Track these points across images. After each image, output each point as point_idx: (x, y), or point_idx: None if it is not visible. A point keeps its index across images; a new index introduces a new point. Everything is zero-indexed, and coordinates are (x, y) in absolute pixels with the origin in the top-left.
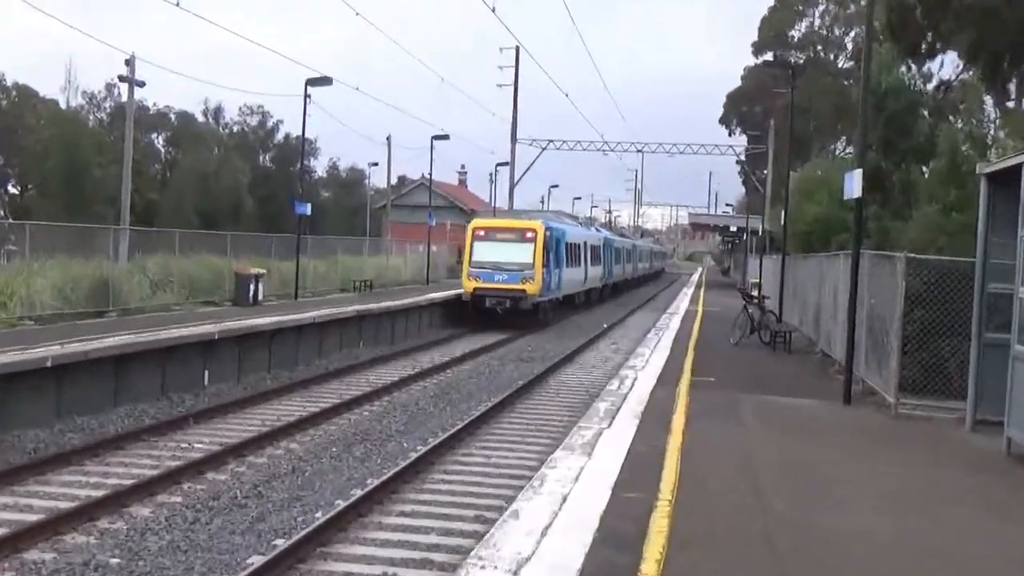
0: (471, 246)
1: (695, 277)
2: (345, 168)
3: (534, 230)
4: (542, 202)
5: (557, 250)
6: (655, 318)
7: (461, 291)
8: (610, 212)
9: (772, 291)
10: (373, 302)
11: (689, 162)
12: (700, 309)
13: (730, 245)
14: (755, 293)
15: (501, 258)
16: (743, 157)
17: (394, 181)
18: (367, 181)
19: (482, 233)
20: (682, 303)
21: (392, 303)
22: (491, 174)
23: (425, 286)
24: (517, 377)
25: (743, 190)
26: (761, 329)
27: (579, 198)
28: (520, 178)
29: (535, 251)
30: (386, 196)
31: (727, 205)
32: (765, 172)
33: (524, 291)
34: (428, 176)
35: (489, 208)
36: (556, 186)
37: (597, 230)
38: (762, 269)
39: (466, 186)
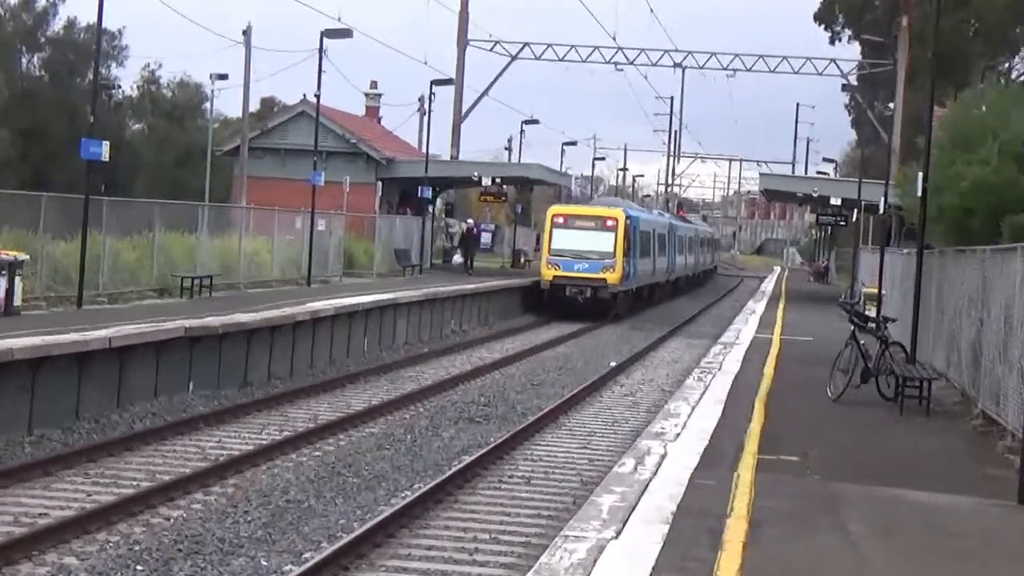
0: (550, 233)
1: (769, 284)
2: (171, 82)
3: (615, 219)
4: (508, 149)
5: (634, 239)
6: (699, 352)
7: (379, 296)
8: (624, 170)
9: (900, 309)
10: (217, 312)
11: (762, 87)
12: (777, 338)
13: (829, 230)
14: (870, 311)
15: (582, 246)
16: (854, 79)
17: (255, 106)
18: (208, 106)
19: (561, 220)
20: (746, 327)
21: (248, 316)
22: (422, 99)
23: (305, 287)
24: (459, 449)
25: (852, 136)
26: (881, 374)
27: (573, 143)
28: (473, 106)
29: (616, 240)
30: (241, 132)
31: (826, 162)
32: (891, 107)
33: (604, 280)
34: (314, 99)
35: (417, 156)
36: (535, 121)
37: (660, 214)
38: (883, 271)
39: (379, 119)
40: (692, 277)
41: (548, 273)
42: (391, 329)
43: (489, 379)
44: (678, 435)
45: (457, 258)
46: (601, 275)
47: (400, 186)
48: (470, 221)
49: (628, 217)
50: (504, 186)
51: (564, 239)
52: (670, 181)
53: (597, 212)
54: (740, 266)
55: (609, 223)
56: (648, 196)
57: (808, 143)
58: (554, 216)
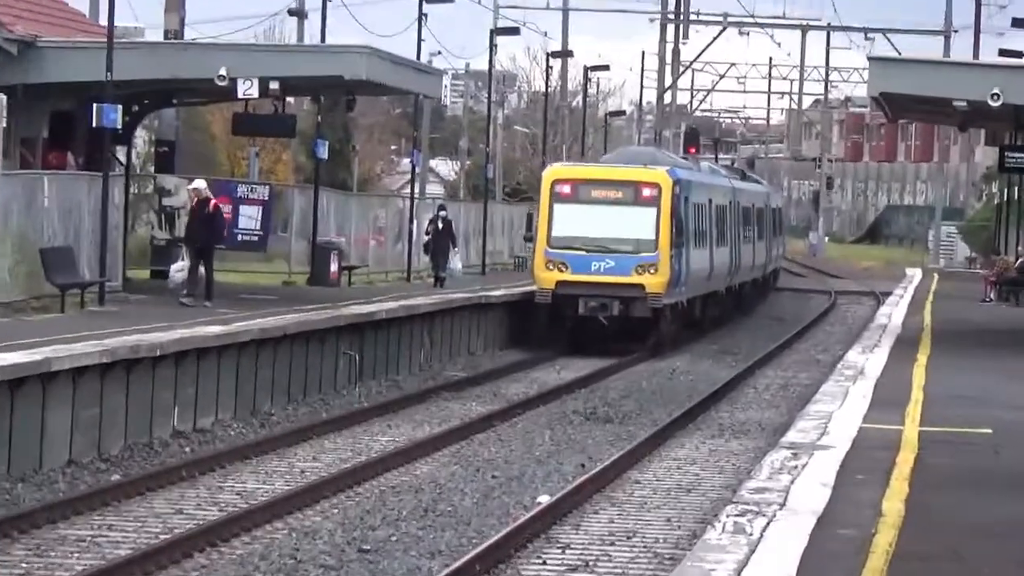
0: (549, 209)
1: (895, 309)
2: None
3: (657, 184)
4: (298, 14)
5: (686, 219)
6: (737, 466)
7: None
8: (565, 55)
9: None
10: None
11: None
12: (911, 431)
13: None
14: None
15: (603, 232)
16: None
17: None
18: None
19: (567, 190)
20: (841, 407)
21: None
22: None
23: None
24: None
25: None
26: None
27: None
28: None
29: (660, 220)
30: None
31: (1019, 28)
32: None
33: (642, 287)
34: None
35: (90, 35)
36: None
37: (713, 169)
38: None
39: None
40: (760, 282)
41: (548, 277)
42: (34, 433)
43: (264, 542)
44: None
45: (178, 271)
46: (636, 278)
47: (52, 102)
48: (198, 184)
49: (676, 181)
50: (288, 98)
51: (573, 220)
52: (669, 79)
53: (626, 174)
54: (829, 268)
55: (646, 192)
56: (621, 113)
57: None
58: (555, 182)
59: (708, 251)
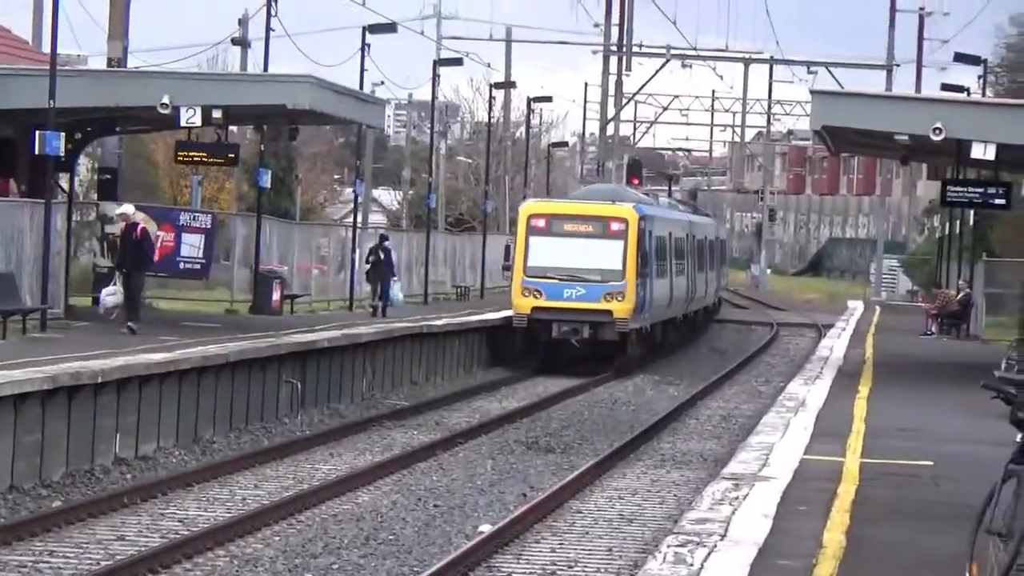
0: (525, 241)
1: (837, 342)
2: None
3: (624, 219)
4: (241, 44)
5: (650, 250)
6: (678, 497)
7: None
8: (507, 86)
9: None
10: None
11: None
12: (852, 463)
13: (971, 219)
14: None
15: (575, 262)
16: None
17: None
18: None
19: (542, 224)
20: (783, 438)
21: None
22: None
23: None
24: None
25: (1019, 6)
26: None
27: (387, 28)
28: None
29: (627, 251)
30: None
31: (961, 63)
32: None
33: (610, 312)
34: None
35: (33, 62)
36: None
37: (672, 204)
38: None
39: None
40: (710, 309)
41: (524, 303)
42: None
43: (205, 569)
44: None
45: (109, 294)
46: (605, 305)
47: None
48: (125, 209)
49: (642, 217)
50: (231, 127)
51: (548, 251)
52: (612, 111)
53: (596, 210)
54: (771, 300)
55: (615, 226)
56: (564, 144)
57: (921, 23)
58: (531, 217)
59: (668, 280)
